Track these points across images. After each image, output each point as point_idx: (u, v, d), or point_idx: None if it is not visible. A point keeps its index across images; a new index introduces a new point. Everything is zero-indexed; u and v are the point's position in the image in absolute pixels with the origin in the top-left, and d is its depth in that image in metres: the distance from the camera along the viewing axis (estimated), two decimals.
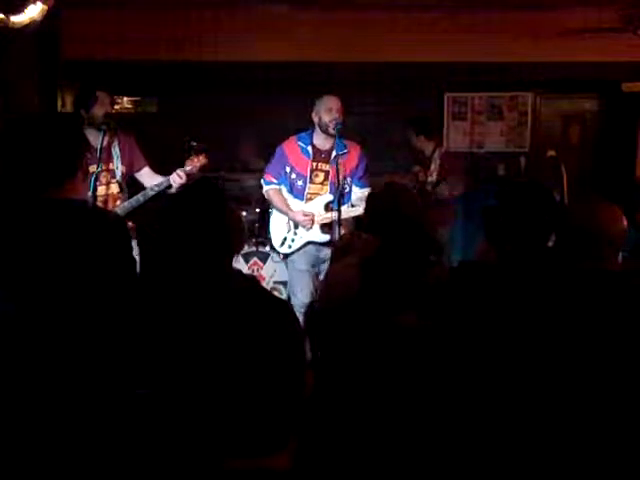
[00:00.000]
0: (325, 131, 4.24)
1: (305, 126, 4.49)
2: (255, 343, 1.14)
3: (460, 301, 2.13)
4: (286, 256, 4.60)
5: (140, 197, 4.09)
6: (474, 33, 6.22)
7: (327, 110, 4.21)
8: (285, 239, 4.45)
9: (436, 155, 5.36)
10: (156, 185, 4.08)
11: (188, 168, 4.07)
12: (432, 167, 5.31)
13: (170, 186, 4.06)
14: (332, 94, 4.29)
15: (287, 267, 4.72)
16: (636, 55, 6.15)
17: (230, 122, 6.79)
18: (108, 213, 3.18)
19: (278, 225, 4.49)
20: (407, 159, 5.95)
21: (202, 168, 4.12)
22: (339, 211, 4.07)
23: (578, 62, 6.35)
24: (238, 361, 1.12)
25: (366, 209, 3.17)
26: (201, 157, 4.10)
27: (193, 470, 1.15)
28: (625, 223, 2.20)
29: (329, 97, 4.28)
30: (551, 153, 4.91)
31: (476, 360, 1.68)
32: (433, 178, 5.26)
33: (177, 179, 4.03)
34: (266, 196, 4.54)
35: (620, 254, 2.28)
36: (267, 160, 4.55)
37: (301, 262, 4.37)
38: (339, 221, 4.06)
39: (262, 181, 4.51)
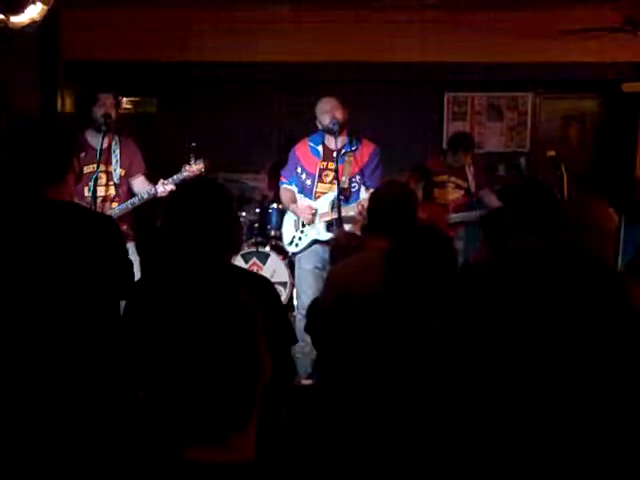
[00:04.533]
0: (330, 133, 4.23)
1: (305, 126, 4.49)
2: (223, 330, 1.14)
3: (481, 302, 2.12)
4: (294, 255, 4.62)
5: (129, 204, 4.04)
6: (474, 33, 6.21)
7: (324, 113, 4.22)
8: (293, 238, 4.49)
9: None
10: (145, 193, 4.02)
11: (185, 173, 4.00)
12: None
13: (156, 196, 3.99)
14: (327, 95, 4.29)
15: (295, 267, 4.72)
16: (636, 55, 6.14)
17: (230, 122, 6.78)
18: (96, 214, 3.17)
19: (289, 225, 4.55)
20: (405, 160, 5.93)
21: (199, 173, 4.03)
22: (339, 207, 4.08)
23: (578, 62, 6.34)
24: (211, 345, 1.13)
25: (368, 207, 3.17)
26: (200, 163, 4.01)
27: (152, 461, 1.14)
28: (616, 218, 2.25)
29: (324, 100, 4.27)
30: (551, 153, 4.91)
31: (501, 362, 1.67)
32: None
33: (160, 189, 3.96)
34: (280, 197, 4.61)
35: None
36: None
37: (307, 261, 4.39)
38: (339, 218, 4.08)
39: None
